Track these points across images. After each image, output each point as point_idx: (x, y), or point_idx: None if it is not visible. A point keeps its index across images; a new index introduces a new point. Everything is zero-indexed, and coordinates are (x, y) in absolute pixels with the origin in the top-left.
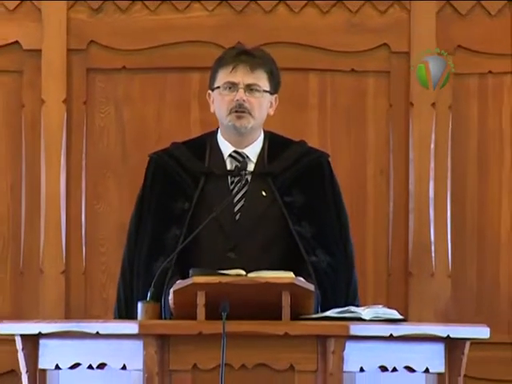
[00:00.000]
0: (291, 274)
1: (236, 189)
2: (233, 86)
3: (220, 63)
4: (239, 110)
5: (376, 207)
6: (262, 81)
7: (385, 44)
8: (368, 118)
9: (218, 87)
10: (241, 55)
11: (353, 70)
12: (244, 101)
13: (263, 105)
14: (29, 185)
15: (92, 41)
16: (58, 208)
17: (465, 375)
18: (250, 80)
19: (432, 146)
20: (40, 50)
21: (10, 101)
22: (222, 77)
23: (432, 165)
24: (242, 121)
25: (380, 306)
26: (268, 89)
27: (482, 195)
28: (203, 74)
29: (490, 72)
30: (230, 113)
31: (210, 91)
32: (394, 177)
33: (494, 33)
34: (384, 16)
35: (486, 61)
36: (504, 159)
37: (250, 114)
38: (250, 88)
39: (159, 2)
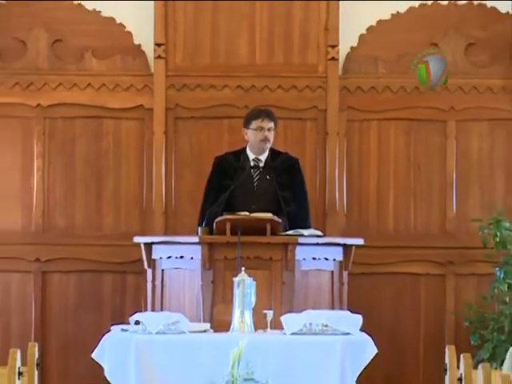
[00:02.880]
0: (271, 215)
1: (255, 175)
2: (262, 129)
3: (253, 116)
4: (265, 140)
5: (310, 185)
6: (273, 125)
7: (315, 106)
8: (307, 143)
9: (253, 128)
10: (263, 113)
11: (299, 118)
12: (267, 136)
13: (273, 135)
14: (147, 174)
15: (177, 104)
16: (161, 185)
17: (353, 262)
18: (269, 125)
19: (337, 154)
20: (152, 109)
21: (138, 133)
22: (255, 123)
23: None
24: (266, 145)
25: (312, 229)
26: (275, 127)
27: (361, 176)
28: (230, 120)
29: (365, 119)
30: (260, 142)
31: (244, 129)
32: (319, 171)
33: (366, 100)
34: (315, 92)
35: (363, 114)
36: (370, 158)
37: (269, 141)
38: (268, 129)
39: (208, 86)
